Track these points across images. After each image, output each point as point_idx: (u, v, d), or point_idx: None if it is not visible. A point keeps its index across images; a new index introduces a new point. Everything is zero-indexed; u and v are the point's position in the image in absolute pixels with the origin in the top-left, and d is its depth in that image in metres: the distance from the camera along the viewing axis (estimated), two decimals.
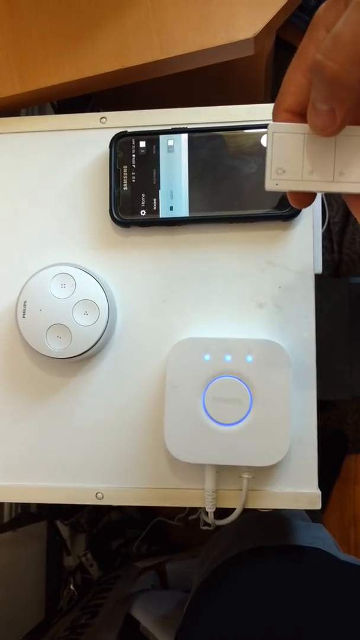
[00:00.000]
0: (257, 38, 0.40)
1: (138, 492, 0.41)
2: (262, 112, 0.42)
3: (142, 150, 0.42)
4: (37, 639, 0.76)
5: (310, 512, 0.65)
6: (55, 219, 0.44)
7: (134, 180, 0.42)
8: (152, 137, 0.42)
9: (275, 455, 0.38)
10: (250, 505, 0.40)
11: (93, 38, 0.42)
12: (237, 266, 0.42)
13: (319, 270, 0.42)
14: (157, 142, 0.42)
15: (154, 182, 0.41)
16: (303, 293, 0.41)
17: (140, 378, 0.42)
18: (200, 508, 0.43)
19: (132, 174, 0.42)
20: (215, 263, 0.42)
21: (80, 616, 0.74)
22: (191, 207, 0.41)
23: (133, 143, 0.42)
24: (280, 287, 0.41)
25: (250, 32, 0.40)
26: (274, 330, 0.41)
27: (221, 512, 0.41)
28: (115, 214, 0.42)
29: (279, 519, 0.56)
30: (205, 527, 0.46)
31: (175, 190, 0.41)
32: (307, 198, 0.30)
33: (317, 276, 0.42)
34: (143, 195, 0.42)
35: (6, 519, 0.78)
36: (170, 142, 0.42)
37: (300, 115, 0.27)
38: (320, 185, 0.28)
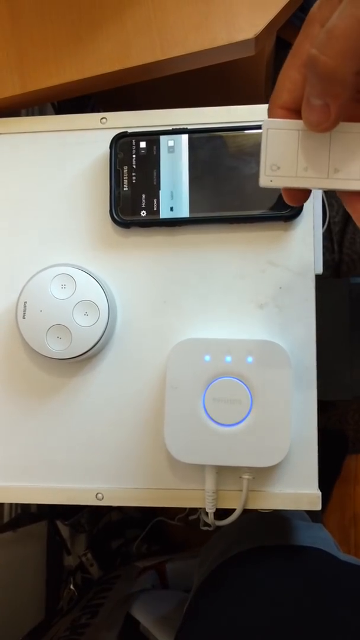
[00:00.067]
0: (258, 38, 0.40)
1: (138, 493, 0.41)
2: (263, 112, 0.42)
3: (143, 151, 0.42)
4: (37, 639, 0.76)
5: (311, 512, 0.65)
6: (56, 219, 0.44)
7: (134, 181, 0.42)
8: (153, 137, 0.42)
9: (276, 456, 0.38)
10: (250, 506, 0.40)
11: (94, 38, 0.42)
12: (237, 267, 0.42)
13: (320, 270, 0.42)
14: (157, 142, 0.42)
15: (155, 183, 0.41)
16: (303, 294, 0.41)
17: (140, 379, 0.42)
18: (200, 508, 0.43)
19: (133, 174, 0.42)
20: (216, 264, 0.42)
21: (81, 616, 0.74)
22: (192, 207, 0.41)
23: (133, 143, 0.42)
24: (280, 288, 0.41)
25: (251, 33, 0.40)
26: (274, 330, 0.41)
27: (221, 513, 0.41)
28: (116, 215, 0.42)
29: (279, 519, 0.56)
30: (205, 528, 0.46)
31: (175, 190, 0.41)
32: (302, 195, 0.29)
33: (317, 276, 0.42)
34: (143, 195, 0.42)
35: (6, 519, 0.78)
36: (171, 143, 0.42)
37: (295, 112, 0.27)
38: (315, 182, 0.28)
